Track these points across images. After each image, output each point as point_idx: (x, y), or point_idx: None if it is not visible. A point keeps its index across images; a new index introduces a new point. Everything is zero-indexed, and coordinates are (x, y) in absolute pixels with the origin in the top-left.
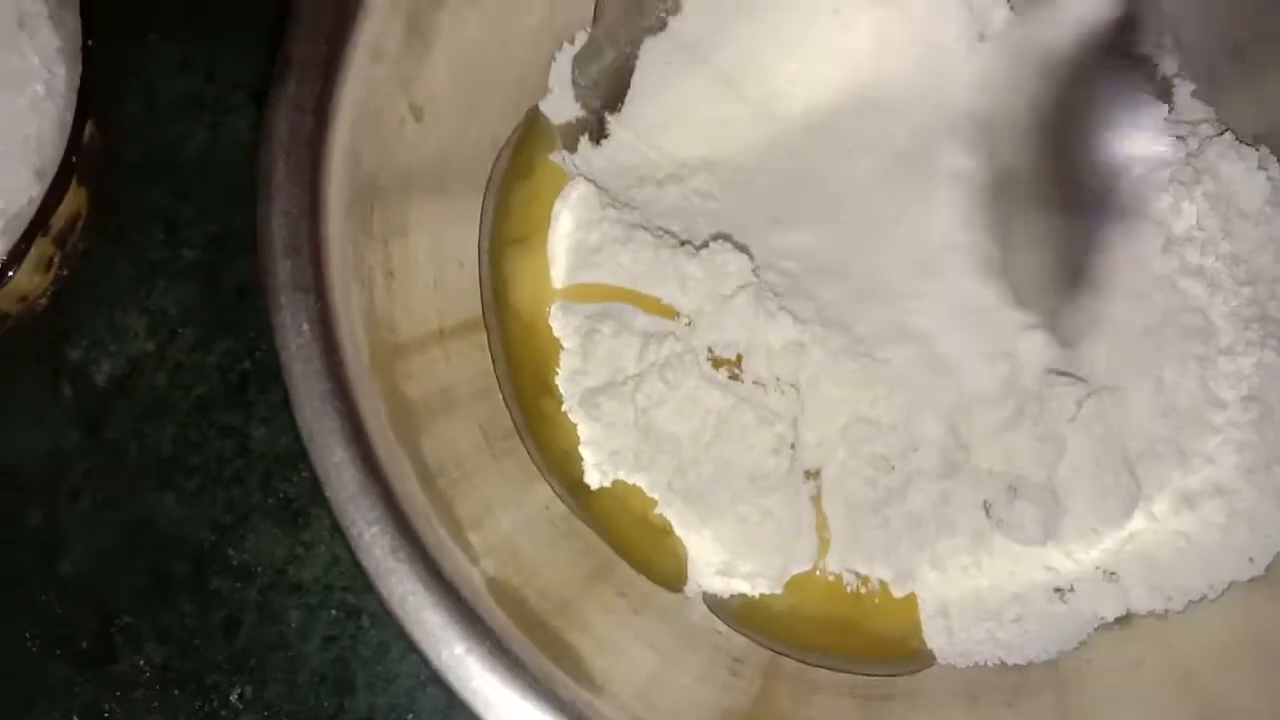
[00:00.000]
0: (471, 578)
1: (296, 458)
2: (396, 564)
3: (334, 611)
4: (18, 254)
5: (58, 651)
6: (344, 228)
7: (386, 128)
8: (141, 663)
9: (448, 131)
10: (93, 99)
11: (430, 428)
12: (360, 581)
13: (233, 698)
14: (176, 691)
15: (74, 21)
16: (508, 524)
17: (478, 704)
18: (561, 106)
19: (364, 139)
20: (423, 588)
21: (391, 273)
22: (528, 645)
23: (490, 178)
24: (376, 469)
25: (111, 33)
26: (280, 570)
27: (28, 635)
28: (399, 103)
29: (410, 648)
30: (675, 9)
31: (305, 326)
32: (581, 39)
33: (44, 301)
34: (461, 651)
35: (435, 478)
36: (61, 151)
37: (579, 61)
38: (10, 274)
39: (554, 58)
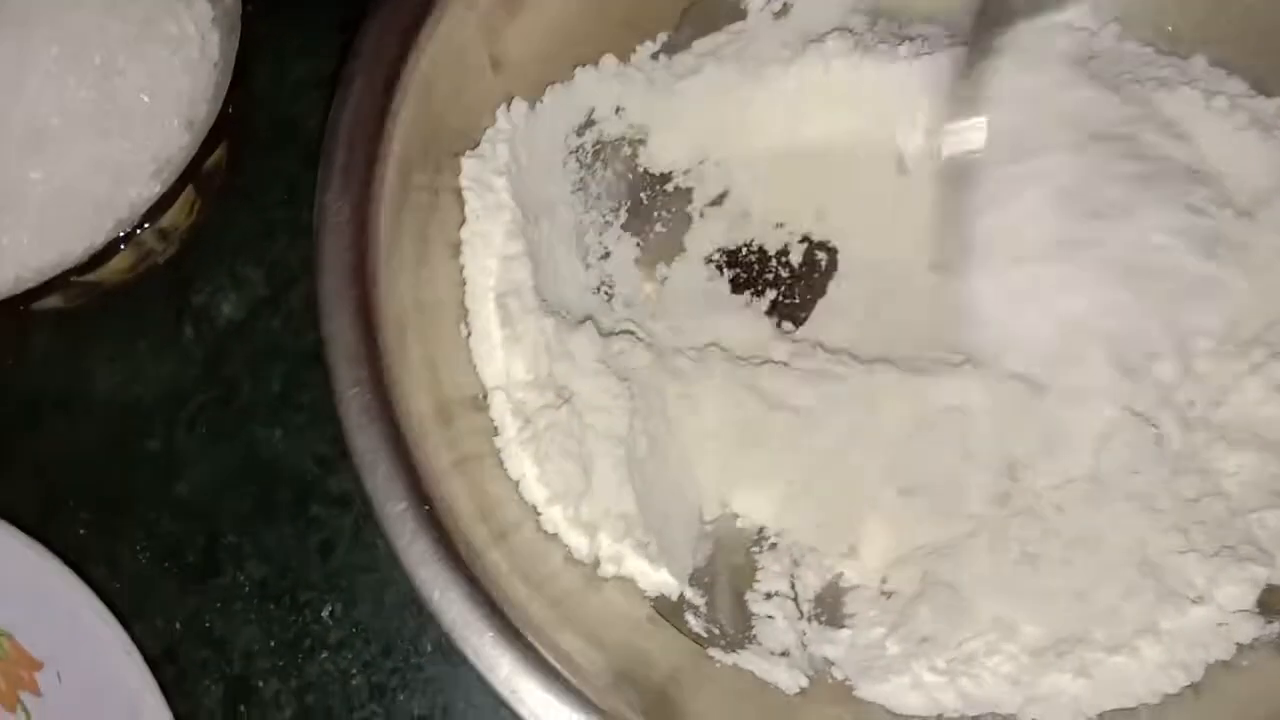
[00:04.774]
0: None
1: None
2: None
3: None
4: (173, 194)
5: (166, 565)
6: (405, 142)
7: (465, 69)
8: (242, 578)
9: (519, 84)
10: (250, 64)
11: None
12: None
13: (324, 614)
14: (273, 606)
15: None
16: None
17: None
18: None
19: (442, 72)
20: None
21: (437, 193)
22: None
23: None
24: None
25: (248, 10)
26: None
27: (139, 548)
28: (481, 50)
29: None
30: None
31: (347, 208)
32: (663, 39)
33: (173, 248)
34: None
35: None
36: (210, 108)
37: None
38: (161, 215)
39: (635, 50)
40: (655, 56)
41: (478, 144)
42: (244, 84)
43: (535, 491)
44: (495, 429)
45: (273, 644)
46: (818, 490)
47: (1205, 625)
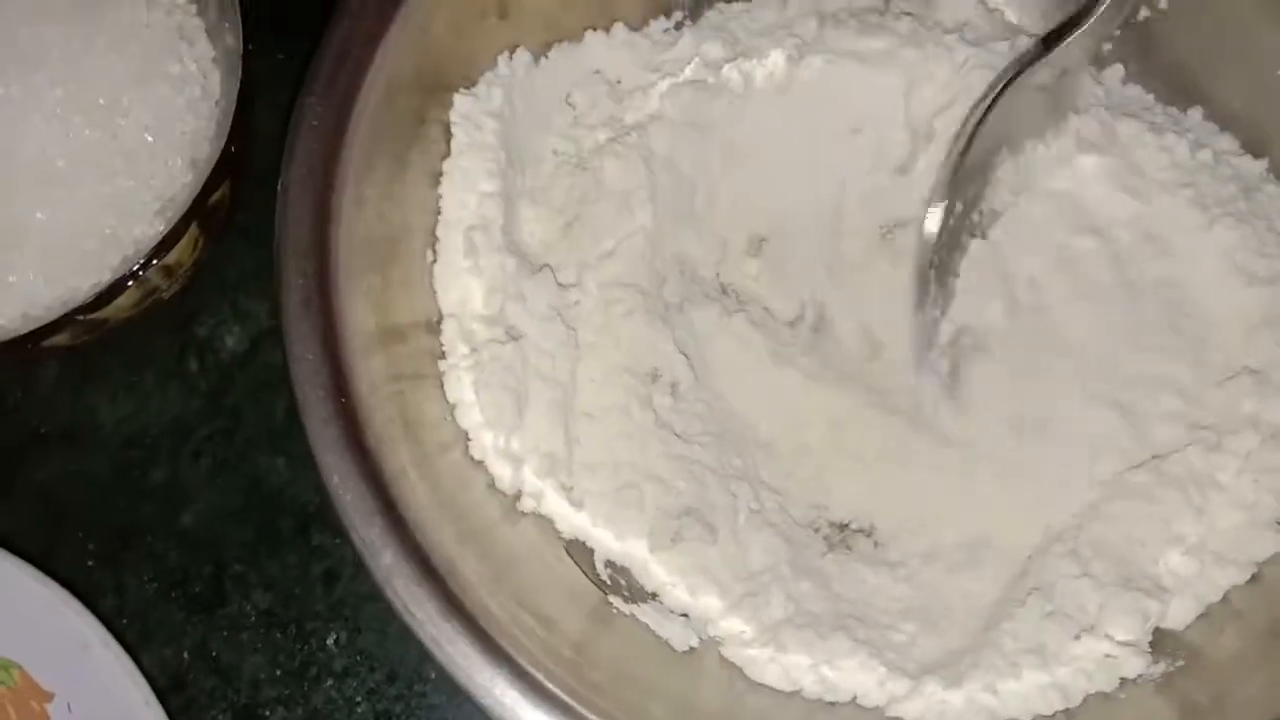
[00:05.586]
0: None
1: None
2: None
3: None
4: (178, 232)
5: (173, 594)
6: (396, 64)
7: (470, 7)
8: (248, 608)
9: (526, 36)
10: (252, 102)
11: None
12: None
13: (329, 642)
14: (279, 634)
15: (234, 34)
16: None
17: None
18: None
19: (444, 6)
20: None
21: (424, 122)
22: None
23: None
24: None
25: (248, 49)
26: None
27: (146, 579)
28: None
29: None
30: None
31: (325, 114)
32: (677, 17)
33: (178, 284)
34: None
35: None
36: (213, 147)
37: None
38: (166, 253)
39: (649, 23)
40: (666, 32)
41: (474, 83)
42: (246, 121)
43: (469, 416)
44: (443, 352)
45: (279, 672)
46: None
47: (1092, 655)
